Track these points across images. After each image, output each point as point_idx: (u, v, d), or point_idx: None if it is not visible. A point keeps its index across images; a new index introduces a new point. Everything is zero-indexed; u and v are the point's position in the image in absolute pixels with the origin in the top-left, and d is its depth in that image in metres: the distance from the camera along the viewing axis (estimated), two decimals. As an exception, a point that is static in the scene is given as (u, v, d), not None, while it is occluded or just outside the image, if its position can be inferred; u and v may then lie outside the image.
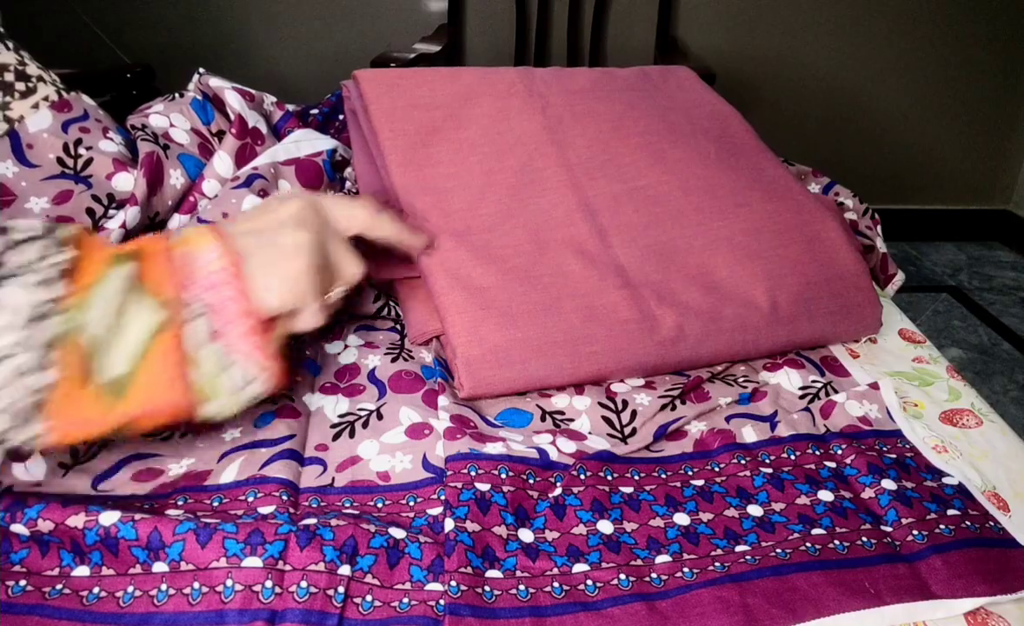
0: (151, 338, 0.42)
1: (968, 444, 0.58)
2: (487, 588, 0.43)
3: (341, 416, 0.58)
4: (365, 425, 0.57)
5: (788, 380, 0.65)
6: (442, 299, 0.62)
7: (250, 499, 0.48)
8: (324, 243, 0.50)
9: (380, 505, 0.50)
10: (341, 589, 0.42)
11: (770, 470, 0.54)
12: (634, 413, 0.59)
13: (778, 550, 0.47)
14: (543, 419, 0.59)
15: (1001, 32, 2.11)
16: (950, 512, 0.50)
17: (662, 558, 0.47)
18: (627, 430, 0.58)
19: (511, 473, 0.51)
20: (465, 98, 0.77)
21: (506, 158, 0.71)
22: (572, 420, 0.59)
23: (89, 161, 0.69)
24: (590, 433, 0.58)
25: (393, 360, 0.64)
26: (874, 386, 0.63)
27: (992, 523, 0.49)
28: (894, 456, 0.55)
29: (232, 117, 0.76)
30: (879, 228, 0.85)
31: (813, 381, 0.65)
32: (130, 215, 0.66)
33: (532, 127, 0.75)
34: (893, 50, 2.12)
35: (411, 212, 0.67)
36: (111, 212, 0.68)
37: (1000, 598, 0.44)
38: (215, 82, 0.77)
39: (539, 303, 0.61)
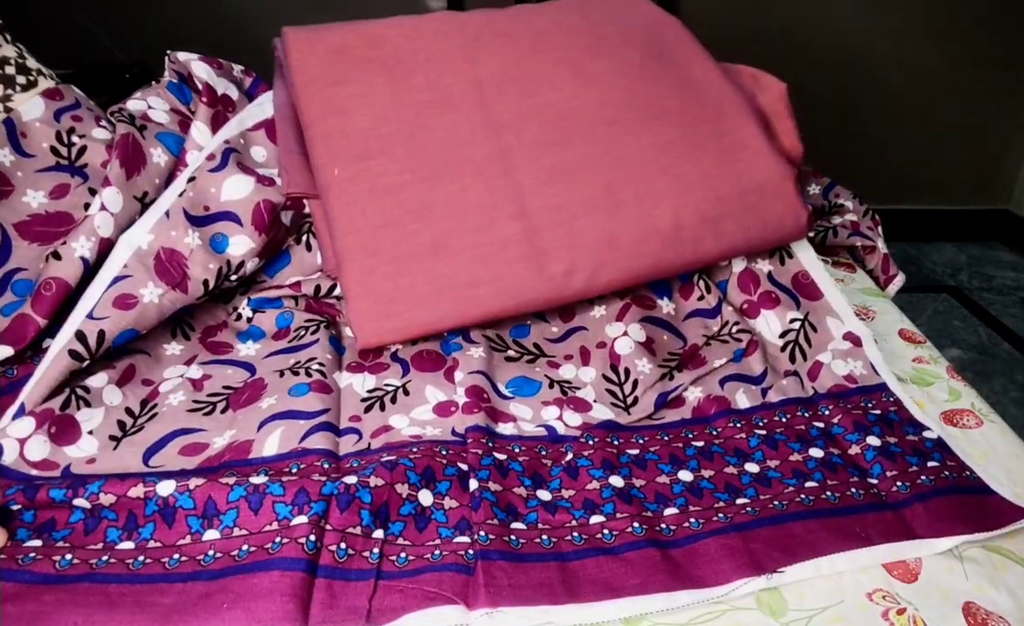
0: None
1: (968, 444, 0.59)
2: (513, 537, 0.47)
3: (370, 391, 0.61)
4: (394, 400, 0.60)
5: (767, 327, 0.67)
6: (338, 242, 0.63)
7: (294, 470, 0.51)
8: None
9: (415, 450, 0.53)
10: (376, 550, 0.46)
11: (764, 432, 0.58)
12: (635, 383, 0.63)
13: (775, 502, 0.51)
14: (551, 386, 0.62)
15: (1001, 31, 2.12)
16: (930, 464, 0.54)
17: (670, 510, 0.51)
18: (629, 400, 0.62)
19: (523, 448, 0.55)
20: (383, 24, 0.74)
21: (415, 76, 0.70)
22: (579, 388, 0.63)
23: (83, 149, 0.69)
24: (595, 401, 0.61)
25: (413, 341, 0.66)
26: (856, 342, 0.66)
27: (968, 473, 0.54)
28: (878, 412, 0.59)
29: (201, 88, 0.76)
30: (879, 229, 0.85)
31: (792, 320, 0.67)
32: (107, 196, 0.65)
33: (447, 45, 0.73)
34: (893, 50, 2.11)
35: (313, 134, 0.66)
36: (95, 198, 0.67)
37: (976, 536, 0.48)
38: (183, 56, 0.76)
39: (429, 243, 0.62)
